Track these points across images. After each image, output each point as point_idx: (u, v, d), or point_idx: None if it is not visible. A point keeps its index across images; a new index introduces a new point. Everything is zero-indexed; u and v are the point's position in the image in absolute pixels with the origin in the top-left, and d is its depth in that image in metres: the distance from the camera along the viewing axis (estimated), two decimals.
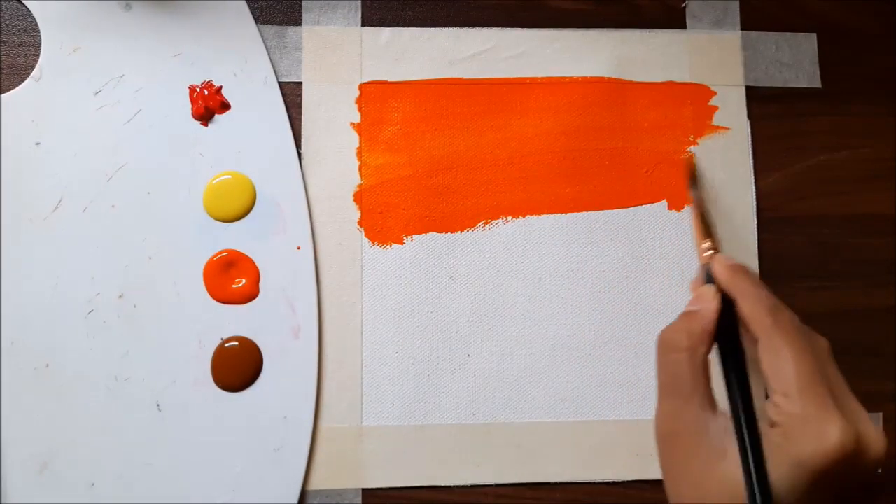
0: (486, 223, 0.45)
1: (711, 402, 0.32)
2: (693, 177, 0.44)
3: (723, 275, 0.34)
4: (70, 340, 0.41)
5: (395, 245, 0.44)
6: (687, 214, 0.45)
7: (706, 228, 0.39)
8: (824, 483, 0.28)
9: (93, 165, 0.43)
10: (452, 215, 0.45)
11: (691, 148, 0.46)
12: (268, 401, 0.42)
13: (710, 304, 0.33)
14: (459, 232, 0.45)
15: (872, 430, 0.29)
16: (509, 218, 0.45)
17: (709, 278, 0.36)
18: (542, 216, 0.45)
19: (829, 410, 0.28)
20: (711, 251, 0.37)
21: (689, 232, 0.45)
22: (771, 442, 0.29)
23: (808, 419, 0.28)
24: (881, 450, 0.29)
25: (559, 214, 0.45)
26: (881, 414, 0.45)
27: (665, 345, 0.33)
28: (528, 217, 0.45)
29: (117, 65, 0.43)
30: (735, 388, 0.31)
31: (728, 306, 0.34)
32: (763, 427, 0.30)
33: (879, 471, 0.29)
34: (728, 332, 0.33)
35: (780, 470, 0.28)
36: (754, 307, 0.32)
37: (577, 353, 0.44)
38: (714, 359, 0.33)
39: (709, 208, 0.41)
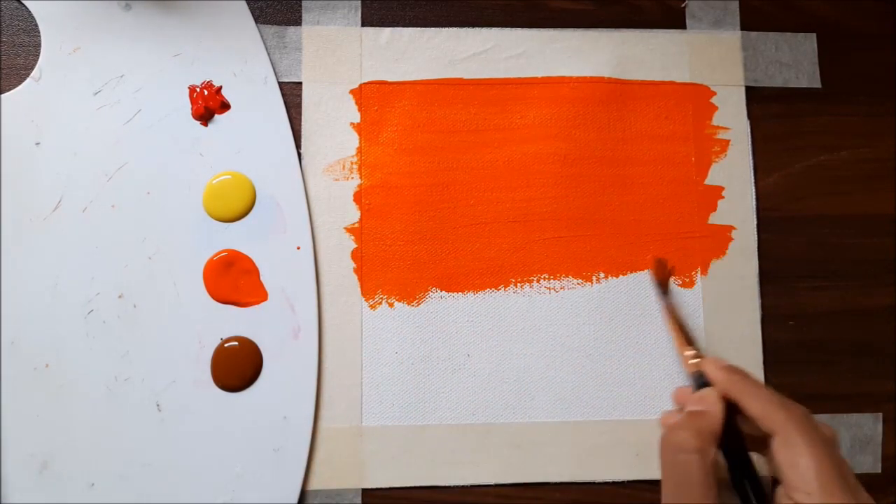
0: (486, 224, 0.45)
1: None
2: (664, 285, 0.44)
3: (721, 377, 0.34)
4: (70, 340, 0.41)
5: (394, 245, 0.44)
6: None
7: (686, 335, 0.40)
8: None
9: (93, 165, 0.43)
10: (452, 215, 0.45)
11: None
12: (268, 401, 0.42)
13: (715, 406, 0.33)
14: (459, 232, 0.45)
15: None
16: (509, 218, 0.45)
17: (698, 385, 0.36)
18: (542, 215, 0.45)
19: None
20: (698, 358, 0.38)
21: (686, 228, 0.45)
22: None
23: None
24: None
25: (559, 214, 0.45)
26: (881, 414, 0.45)
27: (673, 445, 0.32)
28: (528, 217, 0.45)
29: (117, 65, 0.43)
30: (750, 492, 0.32)
31: (728, 410, 0.34)
32: None
33: None
34: (730, 436, 0.33)
35: None
36: (765, 404, 0.32)
37: (577, 353, 0.44)
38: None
39: (682, 314, 0.42)
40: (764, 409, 0.32)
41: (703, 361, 0.37)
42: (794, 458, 0.30)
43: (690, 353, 0.39)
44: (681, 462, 0.32)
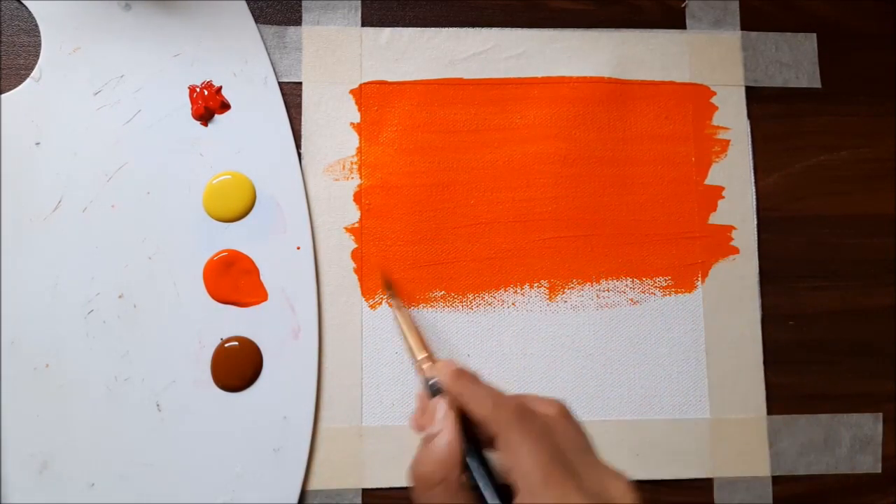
0: (486, 224, 0.45)
1: None
2: (390, 290, 0.43)
3: (448, 382, 0.33)
4: (70, 340, 0.41)
5: (395, 245, 0.44)
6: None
7: (418, 339, 0.38)
8: None
9: (93, 165, 0.43)
10: (452, 216, 0.45)
11: None
12: (268, 401, 0.42)
13: (448, 425, 0.32)
14: (459, 232, 0.45)
15: (618, 490, 0.29)
16: (509, 218, 0.45)
17: (433, 391, 0.34)
18: (542, 215, 0.45)
19: (570, 495, 0.28)
20: (429, 362, 0.36)
21: (686, 228, 0.45)
22: None
23: None
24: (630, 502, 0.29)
25: (559, 214, 0.45)
26: (881, 414, 0.45)
27: (421, 482, 0.31)
28: (528, 218, 0.45)
29: (117, 65, 0.43)
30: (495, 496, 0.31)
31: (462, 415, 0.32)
32: None
33: None
34: (471, 442, 0.32)
35: None
36: (485, 407, 0.31)
37: (577, 353, 0.44)
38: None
39: (411, 317, 0.40)
40: (484, 411, 0.31)
41: (434, 367, 0.35)
42: (516, 460, 0.29)
43: (423, 356, 0.37)
44: (430, 498, 0.31)
